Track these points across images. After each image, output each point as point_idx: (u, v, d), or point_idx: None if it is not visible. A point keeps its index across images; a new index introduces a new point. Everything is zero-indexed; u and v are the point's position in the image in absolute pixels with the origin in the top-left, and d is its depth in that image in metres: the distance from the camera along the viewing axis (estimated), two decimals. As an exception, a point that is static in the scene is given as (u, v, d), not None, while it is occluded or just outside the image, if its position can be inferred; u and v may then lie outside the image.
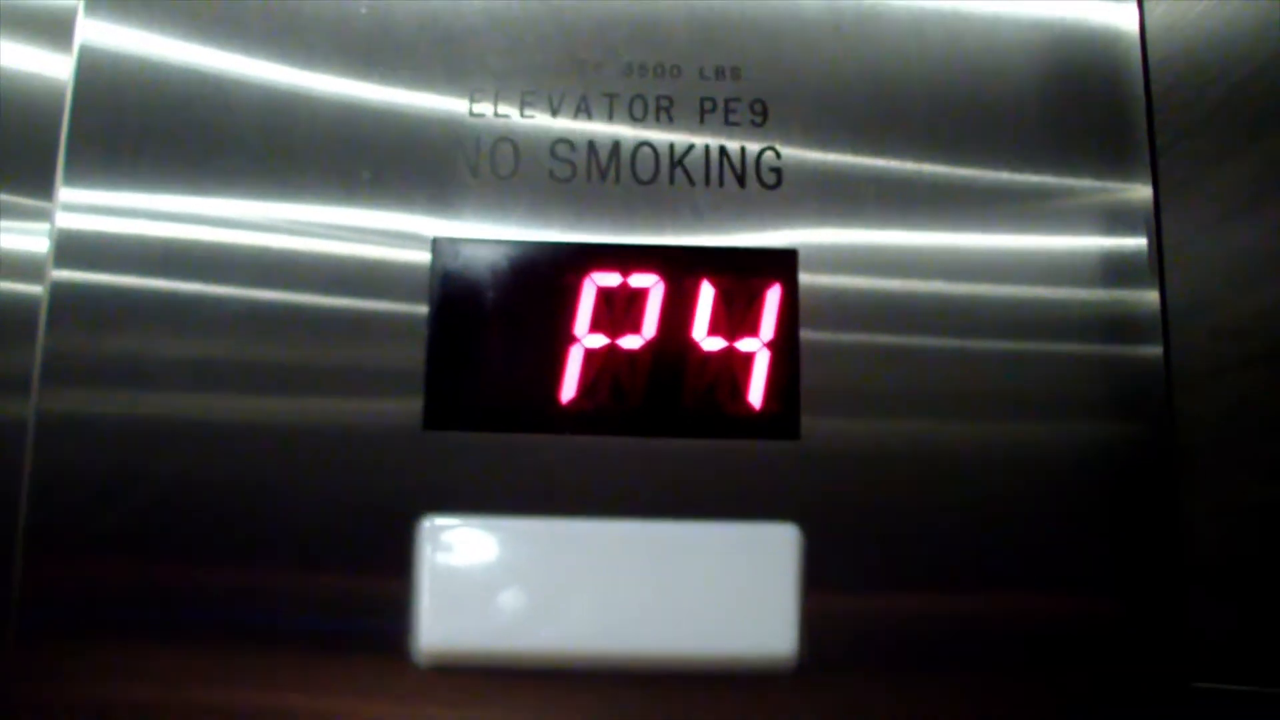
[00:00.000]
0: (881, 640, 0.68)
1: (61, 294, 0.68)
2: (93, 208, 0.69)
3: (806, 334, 0.70)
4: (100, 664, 0.66)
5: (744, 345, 0.69)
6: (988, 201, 0.72)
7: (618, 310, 0.69)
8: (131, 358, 0.68)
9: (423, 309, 0.69)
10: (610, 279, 0.70)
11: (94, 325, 0.68)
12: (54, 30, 0.72)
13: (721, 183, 0.71)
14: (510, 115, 0.72)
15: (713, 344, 0.69)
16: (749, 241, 0.71)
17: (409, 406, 0.68)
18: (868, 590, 0.68)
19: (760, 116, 0.72)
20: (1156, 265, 0.71)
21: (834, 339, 0.70)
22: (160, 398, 0.67)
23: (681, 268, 0.70)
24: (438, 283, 0.69)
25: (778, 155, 0.72)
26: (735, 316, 0.69)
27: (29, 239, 0.69)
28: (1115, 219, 0.72)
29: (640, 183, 0.71)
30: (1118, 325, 0.71)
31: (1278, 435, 0.65)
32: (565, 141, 0.72)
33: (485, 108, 0.72)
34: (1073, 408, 0.70)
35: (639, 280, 0.70)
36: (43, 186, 0.69)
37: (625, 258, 0.70)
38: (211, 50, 0.71)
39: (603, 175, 0.71)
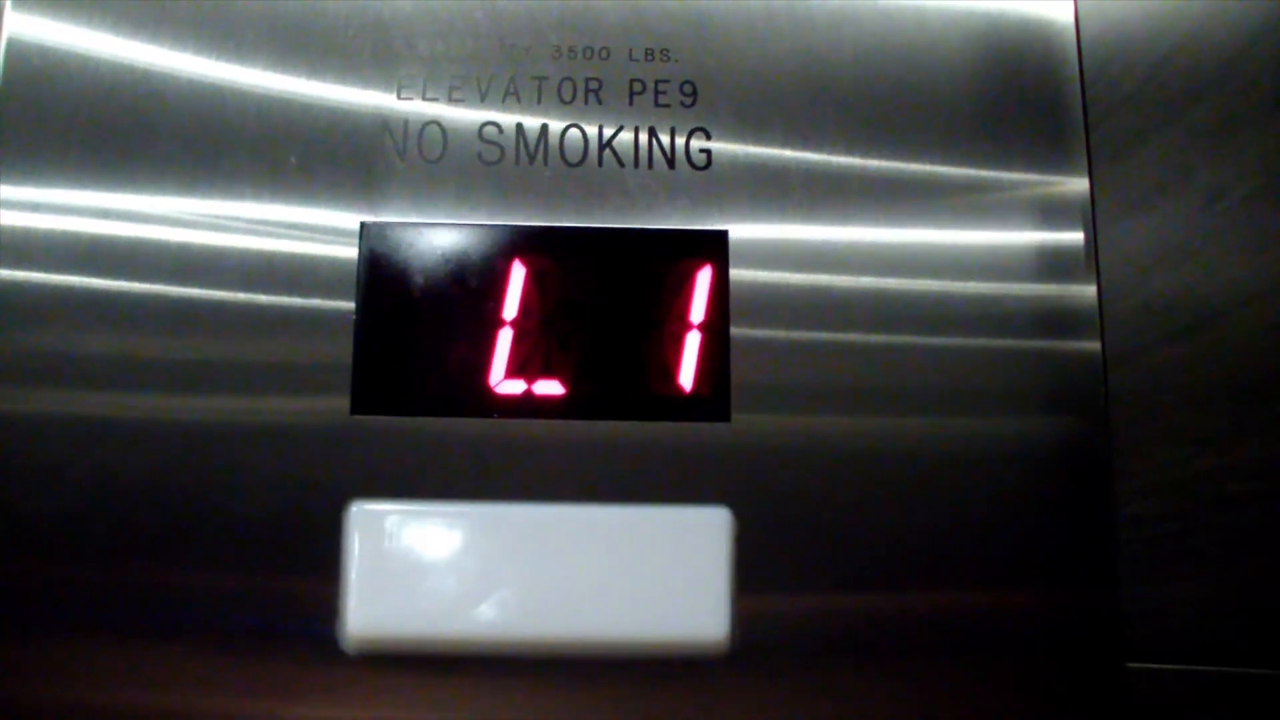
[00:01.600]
0: (815, 625, 0.68)
1: None
2: (18, 203, 0.69)
3: (738, 326, 0.70)
4: (20, 662, 0.66)
5: (674, 327, 0.69)
6: (921, 193, 0.72)
7: (547, 293, 0.69)
8: (56, 354, 0.68)
9: (348, 303, 0.69)
10: (539, 262, 0.70)
11: (18, 321, 0.68)
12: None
13: (651, 164, 0.72)
14: (438, 99, 0.72)
15: (643, 326, 0.69)
16: (679, 223, 0.71)
17: (336, 396, 0.68)
18: (800, 574, 0.68)
19: (690, 98, 0.73)
20: (1093, 259, 0.71)
21: (766, 332, 0.70)
22: (85, 394, 0.68)
23: (611, 250, 0.70)
24: (365, 267, 0.69)
25: (707, 136, 0.72)
26: (666, 298, 0.70)
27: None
28: (1051, 212, 0.72)
29: (569, 165, 0.72)
30: (1054, 320, 0.71)
31: (1205, 407, 0.65)
32: (493, 125, 0.72)
33: (413, 92, 0.72)
34: (1007, 402, 0.70)
35: (568, 263, 0.70)
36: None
37: (554, 240, 0.70)
38: (140, 41, 0.72)
39: (531, 158, 0.72)
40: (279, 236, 0.70)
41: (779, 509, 0.68)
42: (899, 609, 0.68)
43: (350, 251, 0.70)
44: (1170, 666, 0.66)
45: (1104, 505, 0.69)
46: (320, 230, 0.70)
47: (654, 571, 0.67)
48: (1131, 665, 0.66)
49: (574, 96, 0.72)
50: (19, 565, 0.66)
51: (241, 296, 0.69)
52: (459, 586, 0.66)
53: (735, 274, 0.70)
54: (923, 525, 0.68)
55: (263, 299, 0.69)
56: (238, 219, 0.70)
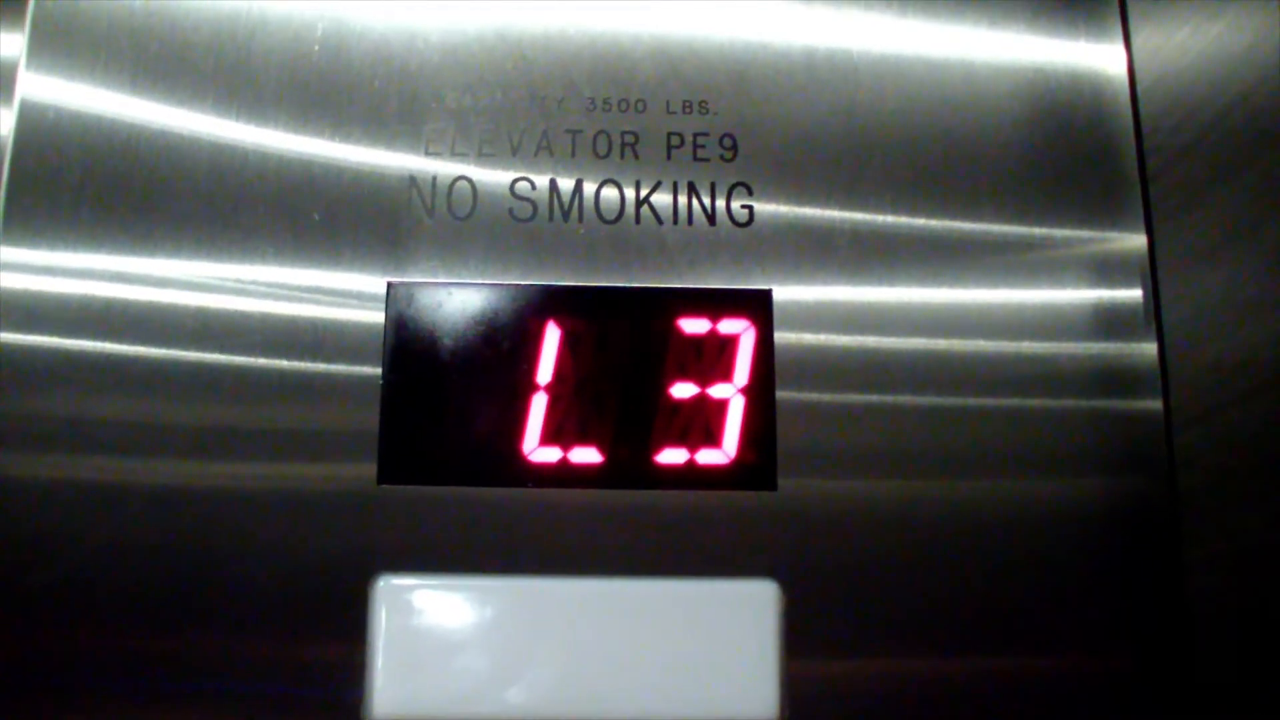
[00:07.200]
0: (868, 700, 0.67)
1: None
2: (31, 267, 0.69)
3: (784, 390, 0.69)
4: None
5: (717, 391, 0.69)
6: (971, 251, 0.72)
7: (582, 356, 0.69)
8: (71, 420, 0.67)
9: (374, 368, 0.68)
10: (574, 323, 0.69)
11: (31, 387, 0.67)
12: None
13: (690, 221, 0.71)
14: (468, 154, 0.72)
15: (683, 390, 0.69)
16: (720, 282, 0.70)
17: (362, 464, 0.67)
18: (852, 648, 0.67)
19: (730, 152, 0.72)
20: (1154, 314, 0.70)
21: (813, 396, 0.69)
22: (100, 460, 0.67)
23: (649, 310, 0.70)
24: (392, 329, 0.69)
25: (749, 192, 0.72)
26: (707, 361, 0.69)
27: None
28: (1107, 269, 0.71)
29: (605, 222, 0.71)
30: (1112, 380, 0.70)
31: (1281, 471, 0.65)
32: (526, 180, 0.71)
33: (441, 146, 0.72)
34: (1065, 465, 0.69)
35: (604, 324, 0.69)
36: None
37: (590, 301, 0.70)
38: (156, 96, 0.71)
39: (565, 215, 0.71)
40: (301, 299, 0.69)
41: (829, 580, 0.67)
42: (955, 682, 0.67)
43: (375, 314, 0.69)
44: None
45: (1171, 574, 0.68)
46: (344, 292, 0.69)
47: (698, 648, 0.66)
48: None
49: (609, 151, 0.72)
50: (37, 633, 0.65)
51: (262, 361, 0.68)
52: (491, 665, 0.65)
53: (780, 336, 0.70)
54: (981, 594, 0.67)
55: (284, 363, 0.68)
56: (258, 281, 0.69)
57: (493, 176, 0.71)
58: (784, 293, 0.70)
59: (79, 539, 0.66)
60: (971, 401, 0.70)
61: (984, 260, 0.71)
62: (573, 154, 0.72)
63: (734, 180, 0.72)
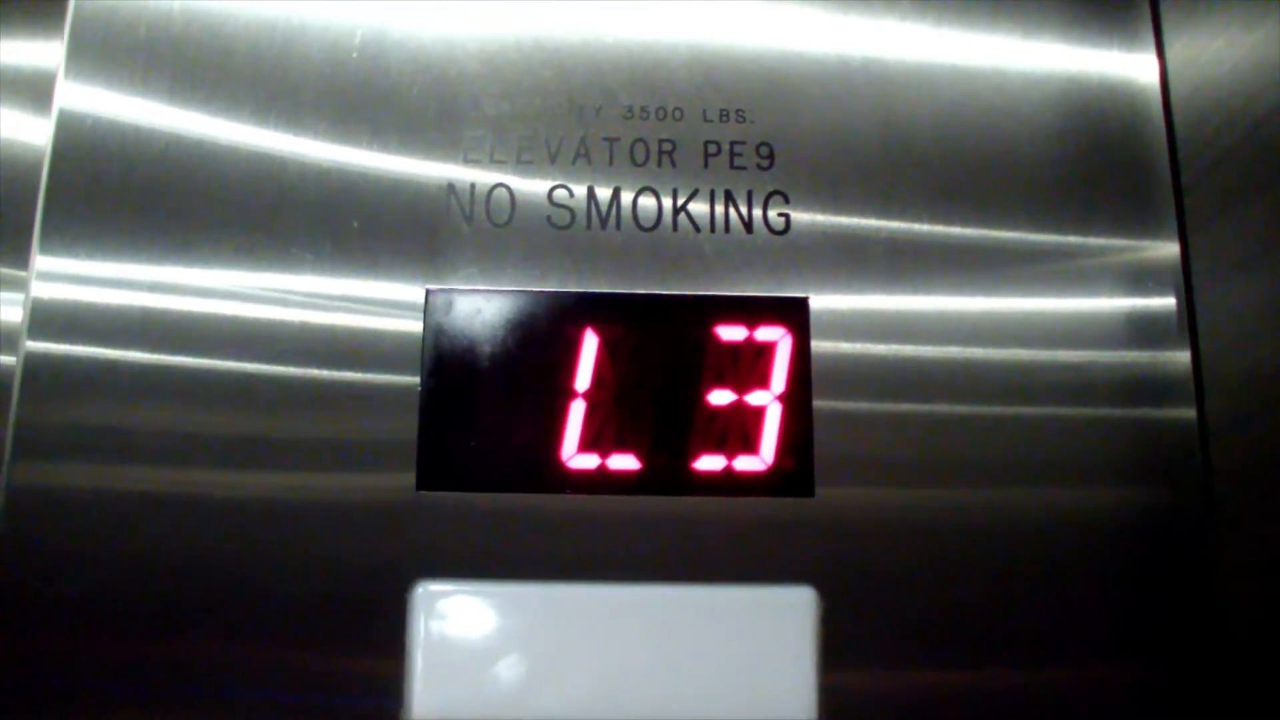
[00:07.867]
0: (904, 706, 0.67)
1: (35, 364, 0.68)
2: (70, 276, 0.69)
3: (821, 398, 0.70)
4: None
5: (754, 398, 0.69)
6: (1005, 259, 0.72)
7: (620, 363, 0.69)
8: (108, 429, 0.67)
9: (413, 376, 0.69)
10: (612, 330, 0.70)
11: (69, 396, 0.68)
12: (33, 94, 0.72)
13: (727, 229, 0.72)
14: (506, 161, 0.72)
15: (721, 397, 0.69)
16: (757, 290, 0.71)
17: (401, 472, 0.68)
18: (889, 653, 0.67)
19: (767, 160, 0.73)
20: (1188, 323, 0.71)
21: (850, 404, 0.70)
22: (138, 470, 0.67)
23: (686, 318, 0.70)
24: (431, 336, 0.69)
25: (786, 200, 0.72)
26: (744, 368, 0.69)
27: (3, 309, 0.69)
28: (1140, 277, 0.72)
29: (642, 230, 0.72)
30: (1146, 388, 0.70)
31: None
32: (564, 188, 0.72)
33: (480, 154, 0.72)
34: (1101, 473, 0.69)
35: (642, 331, 0.70)
36: (18, 255, 0.70)
37: (627, 308, 0.70)
38: (195, 104, 0.72)
39: (603, 222, 0.72)
40: (340, 308, 0.69)
41: (866, 586, 0.68)
42: (991, 688, 0.67)
43: (414, 322, 0.69)
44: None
45: (1205, 582, 0.68)
46: (383, 301, 0.70)
47: (736, 654, 0.66)
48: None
49: (647, 159, 0.73)
50: (72, 640, 0.65)
51: (300, 370, 0.69)
52: (529, 671, 0.66)
53: (816, 344, 0.70)
54: (1015, 602, 0.68)
55: (323, 372, 0.69)
56: (296, 289, 0.70)
57: (531, 184, 0.72)
58: (820, 300, 0.71)
59: (117, 547, 0.66)
60: (1006, 410, 0.70)
61: (1018, 269, 0.72)
62: (610, 162, 0.72)
63: (771, 188, 0.72)
